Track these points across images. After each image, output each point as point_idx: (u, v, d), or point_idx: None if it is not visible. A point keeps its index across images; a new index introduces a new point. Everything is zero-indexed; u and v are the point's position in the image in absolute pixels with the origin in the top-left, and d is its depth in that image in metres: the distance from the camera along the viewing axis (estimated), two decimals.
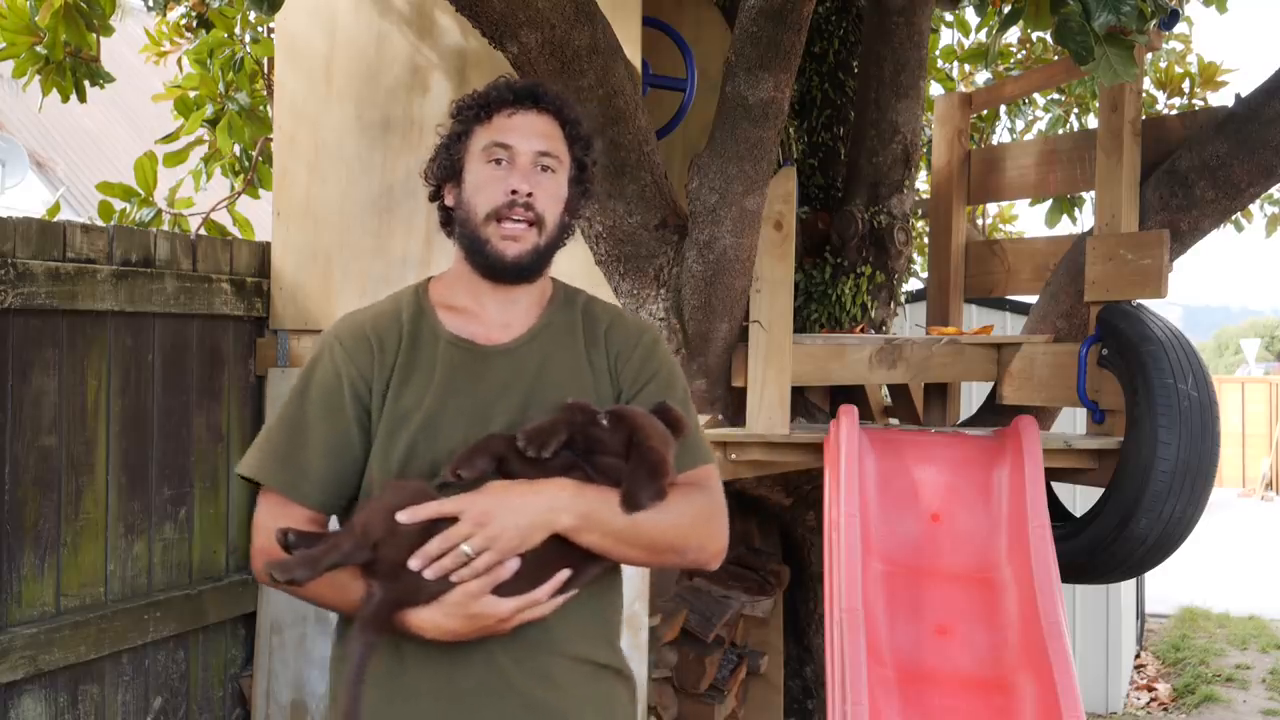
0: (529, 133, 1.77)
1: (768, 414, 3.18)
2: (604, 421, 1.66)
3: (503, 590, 1.59)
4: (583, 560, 1.65)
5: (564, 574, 1.63)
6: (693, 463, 1.77)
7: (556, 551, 1.62)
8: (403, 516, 1.58)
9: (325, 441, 1.72)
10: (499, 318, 1.80)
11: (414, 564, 1.57)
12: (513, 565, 1.59)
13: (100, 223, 4.18)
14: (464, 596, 1.58)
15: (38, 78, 4.13)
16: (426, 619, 1.60)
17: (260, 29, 4.75)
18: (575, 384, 1.76)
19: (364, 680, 1.59)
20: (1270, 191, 5.64)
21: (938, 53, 6.20)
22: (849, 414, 3.06)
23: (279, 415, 1.77)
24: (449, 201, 1.83)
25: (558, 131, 1.80)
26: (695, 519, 1.71)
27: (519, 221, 1.74)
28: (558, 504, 1.60)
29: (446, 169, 1.81)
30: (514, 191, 1.74)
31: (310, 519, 1.71)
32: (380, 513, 1.59)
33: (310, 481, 1.70)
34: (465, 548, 1.56)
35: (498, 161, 1.76)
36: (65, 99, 4.25)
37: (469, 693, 1.65)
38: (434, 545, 1.57)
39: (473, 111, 1.79)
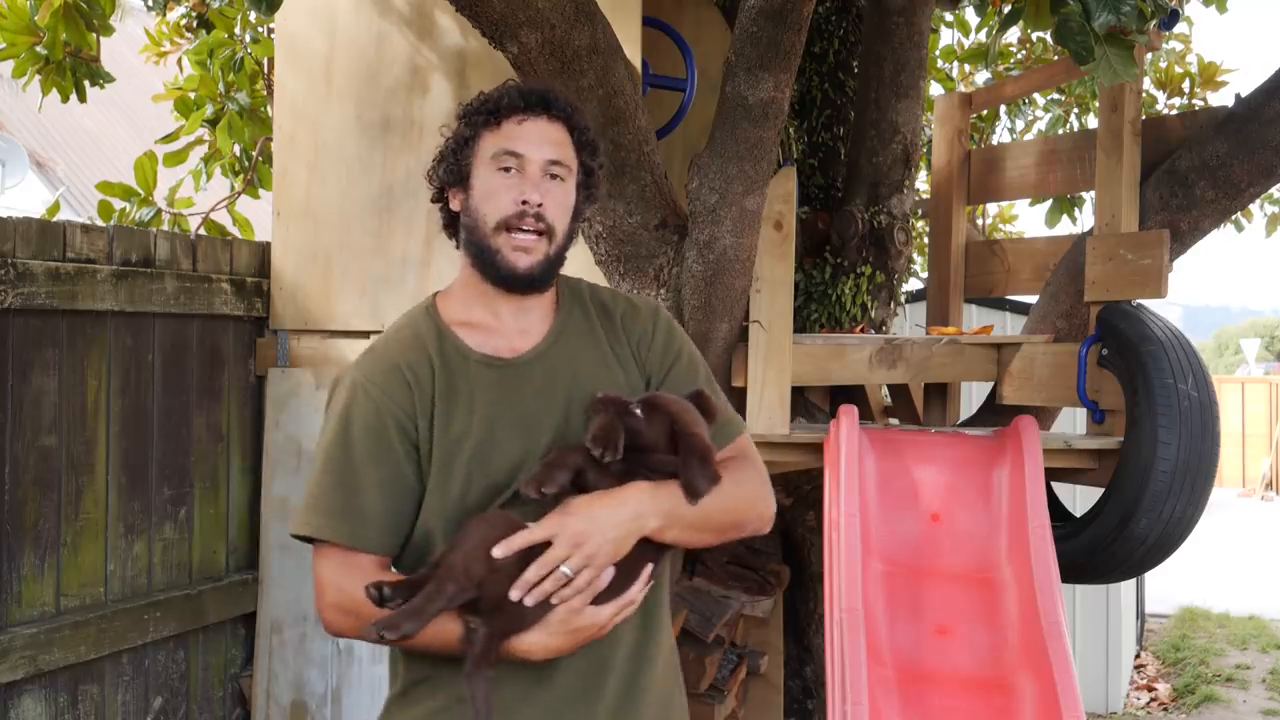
0: (540, 141, 1.76)
1: (768, 414, 3.18)
2: (638, 411, 1.67)
3: (595, 599, 1.63)
4: (658, 551, 1.69)
5: (649, 569, 1.67)
6: (729, 437, 1.80)
7: (635, 549, 1.65)
8: (498, 551, 1.58)
9: (379, 484, 1.68)
10: (516, 326, 1.79)
11: (515, 594, 1.58)
12: (609, 575, 1.62)
13: (100, 223, 4.18)
14: (567, 613, 1.60)
15: (38, 78, 4.13)
16: (533, 642, 1.61)
17: (260, 29, 4.75)
18: (606, 380, 1.77)
19: (494, 715, 1.60)
20: (1270, 191, 5.64)
21: (938, 53, 6.19)
22: (849, 414, 3.06)
23: (324, 467, 1.71)
24: (454, 206, 1.81)
25: (567, 139, 1.79)
26: (750, 492, 1.77)
27: (529, 232, 1.73)
28: (643, 509, 1.63)
29: (453, 173, 1.79)
30: (525, 202, 1.72)
31: (376, 564, 1.69)
32: (476, 549, 1.59)
33: (371, 527, 1.68)
34: (565, 569, 1.58)
35: (507, 170, 1.74)
36: (65, 99, 4.25)
37: (567, 699, 1.68)
38: (533, 572, 1.58)
39: (482, 116, 1.78)
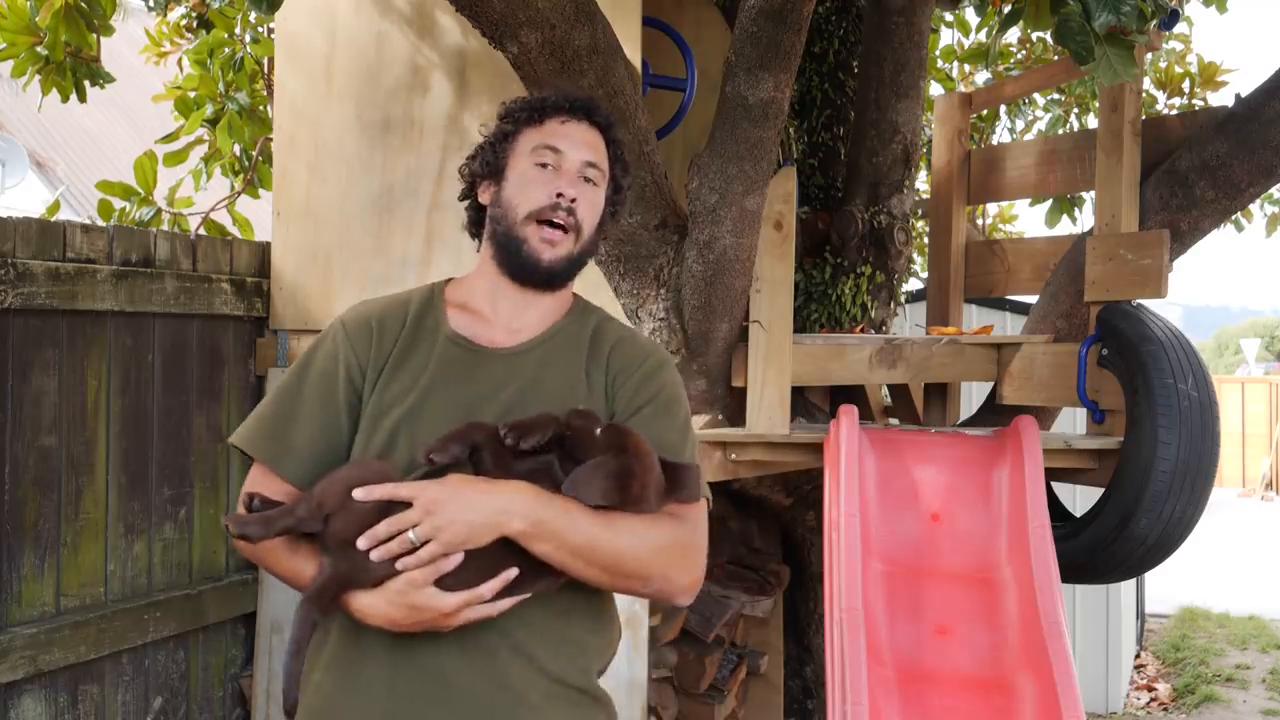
0: (580, 142, 1.79)
1: (768, 414, 3.18)
2: (597, 430, 1.64)
3: (450, 586, 1.58)
4: (537, 569, 1.62)
5: (511, 572, 1.60)
6: (683, 497, 1.70)
7: (509, 556, 1.59)
8: (359, 494, 1.59)
9: (315, 422, 1.73)
10: (508, 323, 1.79)
11: (361, 543, 1.58)
12: (455, 559, 1.58)
13: (100, 222, 4.18)
14: (406, 584, 1.57)
15: (38, 78, 4.14)
16: (369, 604, 1.60)
17: (260, 29, 4.75)
18: (569, 396, 1.74)
19: (301, 654, 1.61)
20: (1270, 191, 5.64)
21: (938, 53, 6.19)
22: (849, 414, 3.06)
23: (276, 389, 1.79)
24: (484, 199, 1.82)
25: (604, 148, 1.82)
26: (663, 548, 1.65)
27: (559, 226, 1.75)
28: (512, 507, 1.58)
29: (489, 165, 1.81)
30: (560, 195, 1.74)
31: (290, 495, 1.71)
32: (338, 485, 1.62)
33: (294, 459, 1.72)
34: (411, 535, 1.56)
35: (544, 165, 1.77)
36: (65, 99, 4.25)
37: (420, 693, 1.64)
38: (382, 527, 1.57)
39: (525, 114, 1.80)
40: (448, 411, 1.70)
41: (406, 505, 1.58)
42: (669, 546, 1.66)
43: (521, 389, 1.73)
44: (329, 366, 1.76)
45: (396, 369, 1.74)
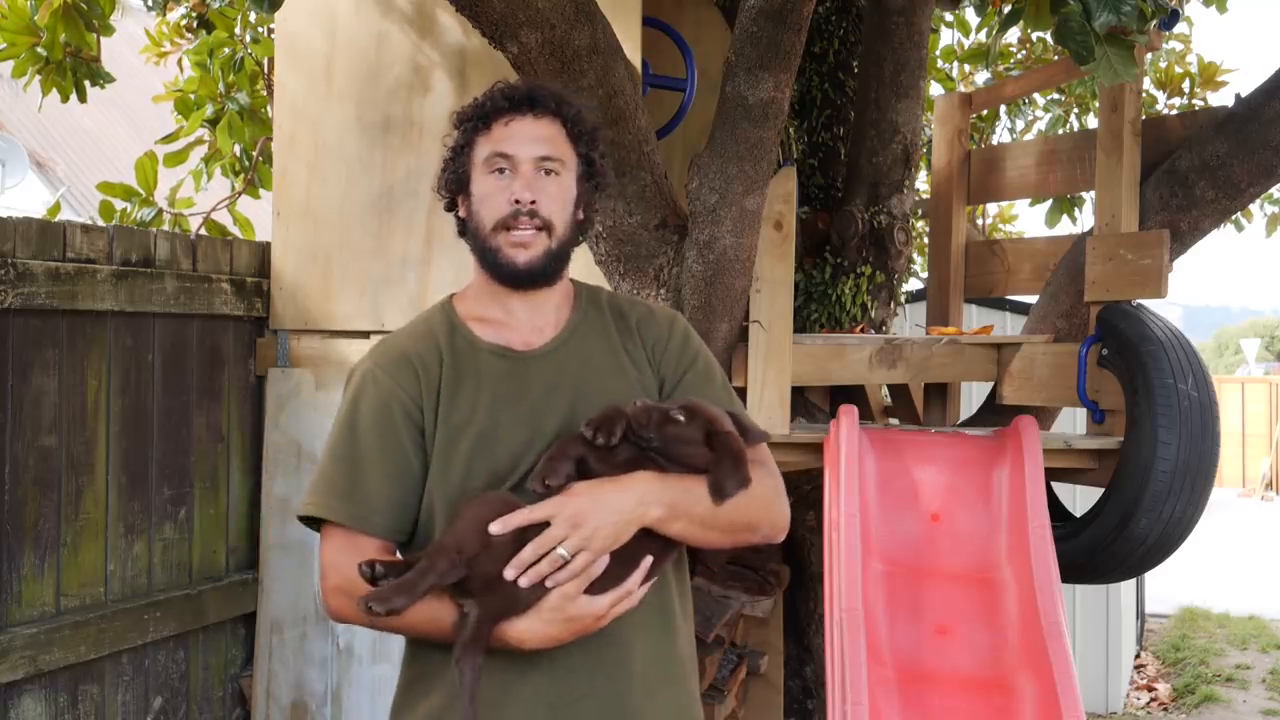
0: (527, 139, 1.77)
1: (768, 414, 3.17)
2: (679, 416, 1.68)
3: (591, 588, 1.60)
4: (663, 547, 1.68)
5: (648, 559, 1.64)
6: (753, 442, 1.79)
7: (637, 541, 1.63)
8: (495, 528, 1.57)
9: (384, 469, 1.70)
10: (530, 323, 1.80)
11: (509, 573, 1.56)
12: (604, 563, 1.60)
13: (100, 223, 4.18)
14: (561, 599, 1.59)
15: (38, 78, 4.13)
16: (525, 628, 1.59)
17: (260, 29, 4.75)
18: (617, 378, 1.78)
19: (475, 702, 1.58)
20: (1270, 191, 5.64)
21: (938, 53, 6.19)
22: (849, 414, 3.06)
23: (330, 453, 1.74)
24: (461, 213, 1.83)
25: (559, 132, 1.80)
26: (767, 498, 1.76)
27: (525, 229, 1.75)
28: (648, 497, 1.62)
29: (454, 181, 1.82)
30: (517, 201, 1.74)
31: (380, 549, 1.69)
32: (471, 526, 1.59)
33: (376, 511, 1.69)
34: (561, 550, 1.57)
35: (500, 171, 1.76)
36: (65, 99, 4.25)
37: (564, 696, 1.66)
38: (529, 551, 1.57)
39: (472, 122, 1.80)
40: (516, 425, 1.71)
41: (543, 525, 1.58)
42: (767, 493, 1.77)
43: (574, 385, 1.75)
44: (380, 410, 1.72)
45: (452, 395, 1.73)
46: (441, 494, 1.69)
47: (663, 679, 1.73)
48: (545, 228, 1.76)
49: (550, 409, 1.72)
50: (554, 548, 1.57)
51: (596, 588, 1.60)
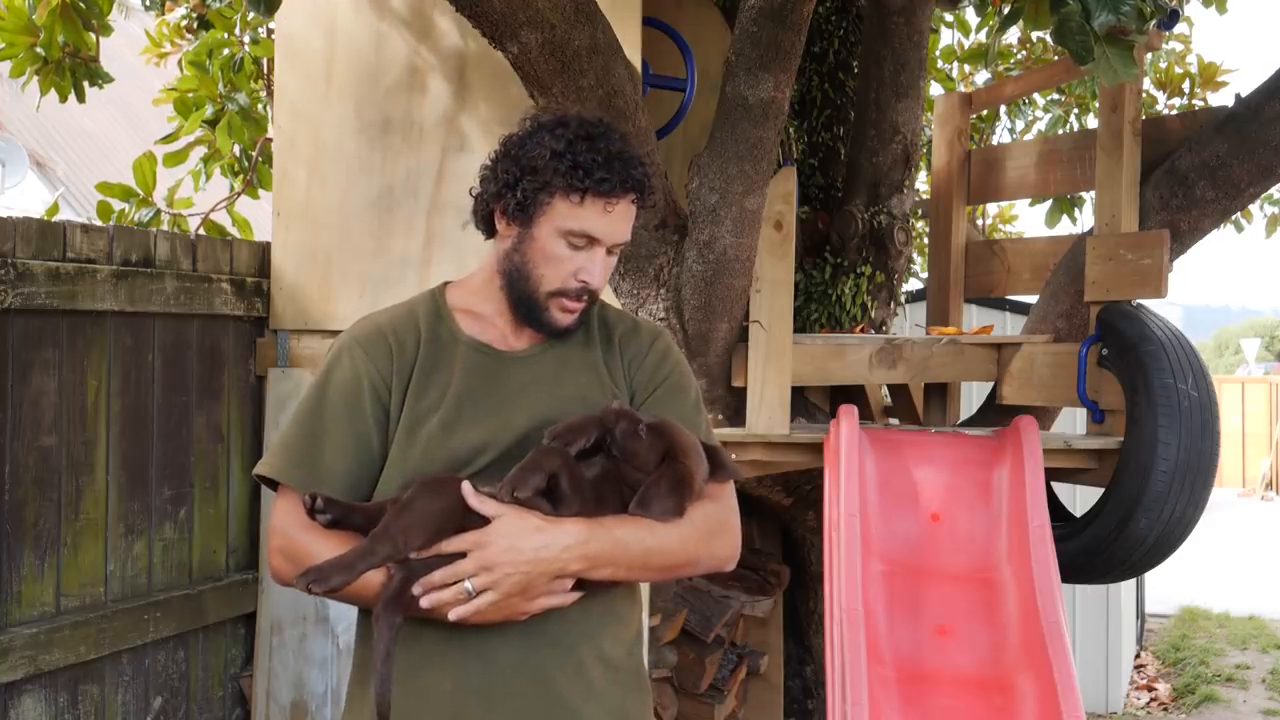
0: (618, 226, 1.74)
1: (768, 414, 3.18)
2: (643, 433, 1.67)
3: None
4: None
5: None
6: (720, 478, 1.78)
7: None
8: (448, 546, 1.60)
9: (344, 442, 1.71)
10: (519, 327, 1.81)
11: (416, 590, 1.59)
12: (571, 594, 1.63)
13: (100, 223, 4.18)
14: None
15: (36, 78, 4.13)
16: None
17: (260, 29, 4.75)
18: (591, 388, 1.78)
19: (392, 660, 1.60)
20: (1270, 191, 5.64)
21: (938, 53, 6.19)
22: (849, 414, 3.06)
23: (296, 418, 1.76)
24: (501, 228, 1.78)
25: (634, 209, 1.77)
26: (701, 533, 1.73)
27: (579, 303, 1.75)
28: (567, 552, 1.61)
29: (518, 208, 1.73)
30: (584, 282, 1.74)
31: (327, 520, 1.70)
32: (420, 520, 1.60)
33: (328, 483, 1.69)
34: (468, 584, 1.58)
35: (576, 247, 1.73)
36: (64, 99, 4.24)
37: (486, 688, 1.66)
38: (439, 576, 1.59)
39: (565, 178, 1.69)
40: (481, 420, 1.71)
41: (482, 520, 1.60)
42: (709, 530, 1.75)
43: (547, 389, 1.76)
44: (350, 384, 1.73)
45: (423, 381, 1.74)
46: (398, 476, 1.70)
47: (607, 681, 1.73)
48: (593, 297, 1.78)
49: (518, 408, 1.73)
50: (462, 580, 1.58)
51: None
